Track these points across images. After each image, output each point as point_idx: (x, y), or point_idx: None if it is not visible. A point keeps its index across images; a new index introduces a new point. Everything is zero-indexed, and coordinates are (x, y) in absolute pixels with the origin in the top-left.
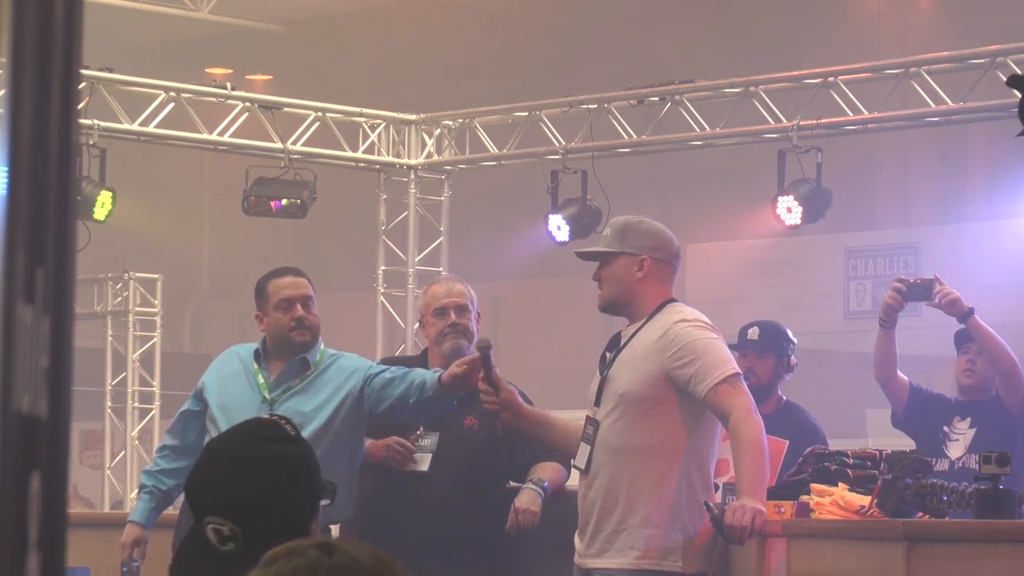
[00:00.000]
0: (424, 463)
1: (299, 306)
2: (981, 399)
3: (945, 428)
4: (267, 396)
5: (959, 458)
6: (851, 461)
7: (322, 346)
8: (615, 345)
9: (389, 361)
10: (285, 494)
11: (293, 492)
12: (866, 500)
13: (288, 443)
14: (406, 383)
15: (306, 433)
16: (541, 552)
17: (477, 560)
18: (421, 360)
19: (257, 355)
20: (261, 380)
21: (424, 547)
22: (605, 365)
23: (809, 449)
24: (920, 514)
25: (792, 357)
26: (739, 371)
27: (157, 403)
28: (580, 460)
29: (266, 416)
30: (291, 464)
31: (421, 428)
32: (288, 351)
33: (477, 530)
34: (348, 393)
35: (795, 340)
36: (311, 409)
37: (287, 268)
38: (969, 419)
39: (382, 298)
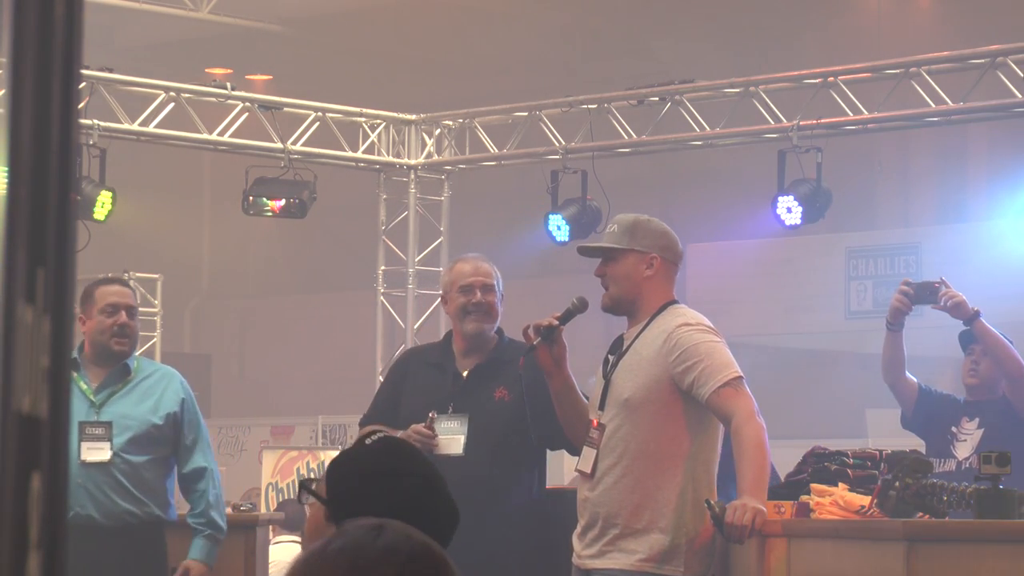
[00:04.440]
0: (457, 446)
1: (124, 313)
2: (988, 399)
3: (953, 428)
4: (93, 400)
5: (966, 458)
6: (851, 461)
7: (137, 354)
8: (617, 349)
9: (413, 353)
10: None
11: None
12: (866, 500)
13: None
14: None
15: (131, 434)
16: (538, 551)
17: (514, 532)
18: (445, 344)
19: (74, 363)
20: (84, 385)
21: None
22: (608, 369)
23: (810, 449)
24: (920, 514)
25: None
26: (742, 375)
27: None
28: (585, 464)
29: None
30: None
31: (434, 412)
32: (106, 357)
33: (514, 500)
34: (174, 413)
35: None
36: (140, 412)
37: (117, 278)
38: (977, 419)
39: (382, 298)
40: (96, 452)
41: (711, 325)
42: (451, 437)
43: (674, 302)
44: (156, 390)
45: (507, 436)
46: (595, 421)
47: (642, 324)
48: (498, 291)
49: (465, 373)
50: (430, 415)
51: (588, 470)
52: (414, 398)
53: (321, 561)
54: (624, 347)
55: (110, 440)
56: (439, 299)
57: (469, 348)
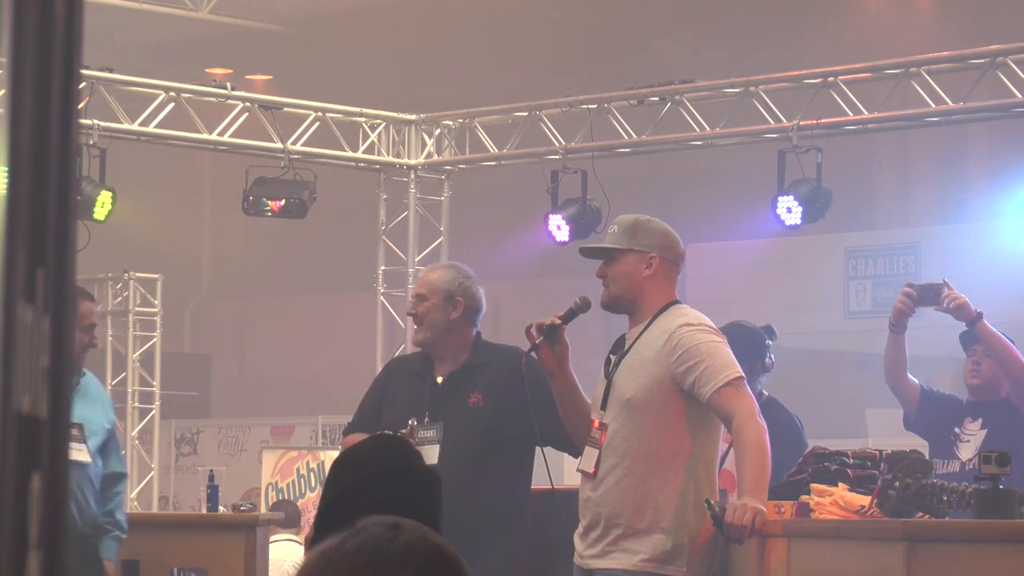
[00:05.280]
0: (432, 455)
1: (94, 333)
2: (991, 400)
3: (956, 429)
4: None
5: (969, 459)
6: (851, 461)
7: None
8: (619, 348)
9: (389, 369)
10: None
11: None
12: (866, 500)
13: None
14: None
15: (98, 439)
16: (538, 551)
17: (497, 536)
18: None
19: None
20: None
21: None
22: (610, 369)
23: (809, 449)
24: (920, 514)
25: (769, 357)
26: (743, 375)
27: (157, 403)
28: (587, 464)
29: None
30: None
31: (414, 420)
32: None
33: (495, 504)
34: (113, 419)
35: (771, 342)
36: (97, 416)
37: (83, 291)
38: (980, 420)
39: (382, 298)
40: (78, 452)
41: (713, 325)
42: (426, 446)
43: (676, 302)
44: (95, 393)
45: (483, 441)
46: (596, 421)
47: (644, 324)
48: (436, 300)
49: (440, 380)
50: (410, 422)
51: (590, 470)
52: (394, 407)
53: (338, 559)
54: (626, 347)
55: (85, 442)
56: None
57: (437, 356)
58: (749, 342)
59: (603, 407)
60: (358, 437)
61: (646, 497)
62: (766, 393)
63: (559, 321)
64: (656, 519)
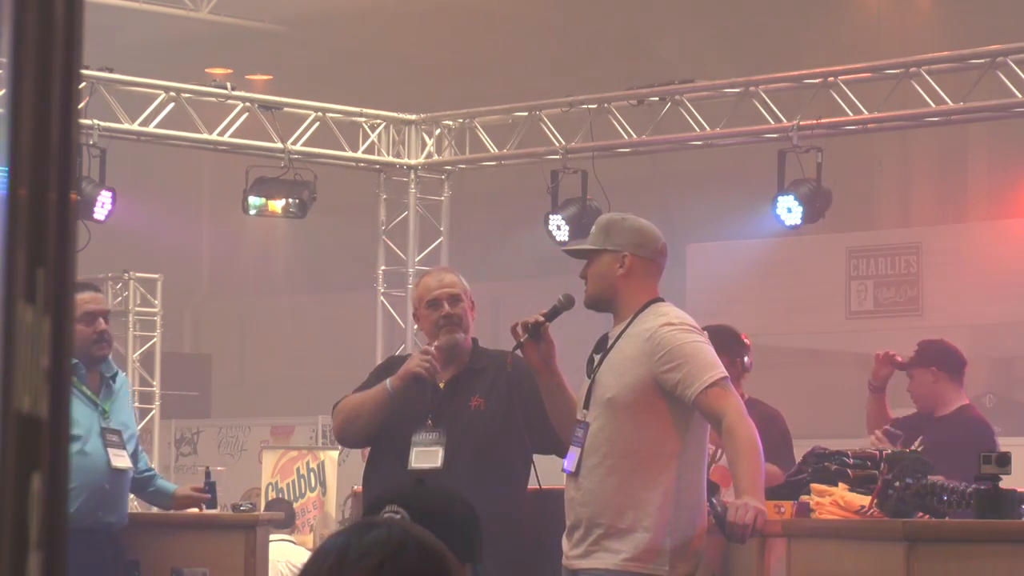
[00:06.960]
0: (436, 459)
1: (101, 320)
2: (939, 415)
3: None
4: (105, 407)
5: None
6: (851, 461)
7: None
8: (602, 347)
9: (390, 362)
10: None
11: None
12: (866, 500)
13: None
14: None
15: (134, 444)
16: (530, 553)
17: (498, 540)
18: None
19: (75, 367)
20: (88, 391)
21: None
22: (592, 368)
23: (810, 449)
24: (920, 514)
25: (746, 359)
26: (727, 375)
27: (157, 403)
28: (570, 463)
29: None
30: None
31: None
32: (86, 363)
33: (498, 507)
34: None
35: (748, 343)
36: (131, 420)
37: (88, 284)
38: (920, 438)
39: (382, 298)
40: (121, 459)
41: (695, 324)
42: (429, 450)
43: (657, 300)
44: (125, 395)
45: (486, 444)
46: (580, 420)
47: (625, 322)
48: (466, 300)
49: (442, 385)
50: (435, 345)
51: (573, 470)
52: (394, 411)
53: (315, 555)
54: (608, 345)
55: (124, 447)
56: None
57: (445, 360)
58: (729, 342)
59: (585, 406)
60: (353, 397)
61: (628, 496)
62: (746, 395)
63: (543, 319)
64: (638, 518)
